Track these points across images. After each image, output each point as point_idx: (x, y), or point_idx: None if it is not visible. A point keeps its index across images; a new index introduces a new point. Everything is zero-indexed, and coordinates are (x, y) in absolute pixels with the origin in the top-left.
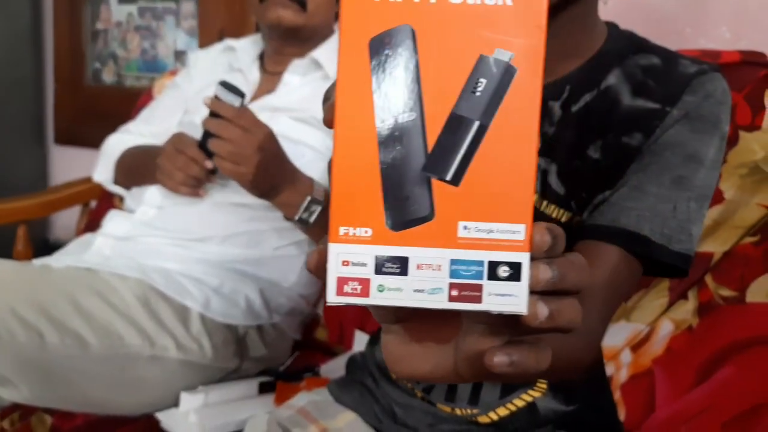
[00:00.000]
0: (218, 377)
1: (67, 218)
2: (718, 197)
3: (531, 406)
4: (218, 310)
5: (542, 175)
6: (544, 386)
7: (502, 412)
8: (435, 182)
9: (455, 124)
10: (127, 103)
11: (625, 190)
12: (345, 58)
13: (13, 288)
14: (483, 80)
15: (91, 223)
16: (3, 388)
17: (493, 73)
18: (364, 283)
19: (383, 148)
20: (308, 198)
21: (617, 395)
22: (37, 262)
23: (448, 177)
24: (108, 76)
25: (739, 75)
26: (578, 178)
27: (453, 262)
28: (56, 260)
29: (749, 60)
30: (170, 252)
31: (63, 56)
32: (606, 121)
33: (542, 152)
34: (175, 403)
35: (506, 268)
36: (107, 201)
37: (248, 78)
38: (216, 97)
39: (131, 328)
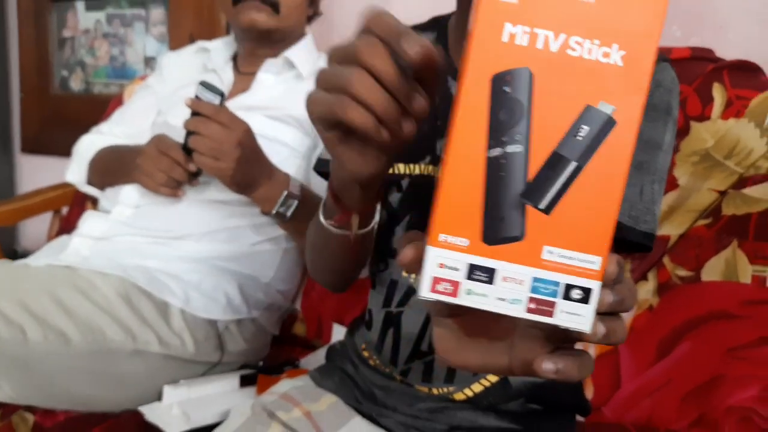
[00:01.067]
0: (200, 372)
1: (33, 227)
2: (672, 183)
3: (504, 381)
4: (199, 305)
5: None
6: None
7: (477, 388)
8: (529, 208)
9: (555, 161)
10: (96, 110)
11: None
12: (469, 88)
13: None
14: (585, 127)
15: (63, 229)
16: None
17: (595, 121)
18: (455, 285)
19: (490, 172)
20: (285, 193)
21: None
22: (17, 262)
23: (542, 206)
24: (76, 84)
25: (689, 70)
26: None
27: (535, 279)
28: (34, 260)
29: (698, 56)
30: (149, 250)
31: (29, 64)
32: None
33: None
34: (158, 398)
35: (579, 291)
36: (79, 206)
37: (222, 78)
38: (196, 97)
39: (114, 323)
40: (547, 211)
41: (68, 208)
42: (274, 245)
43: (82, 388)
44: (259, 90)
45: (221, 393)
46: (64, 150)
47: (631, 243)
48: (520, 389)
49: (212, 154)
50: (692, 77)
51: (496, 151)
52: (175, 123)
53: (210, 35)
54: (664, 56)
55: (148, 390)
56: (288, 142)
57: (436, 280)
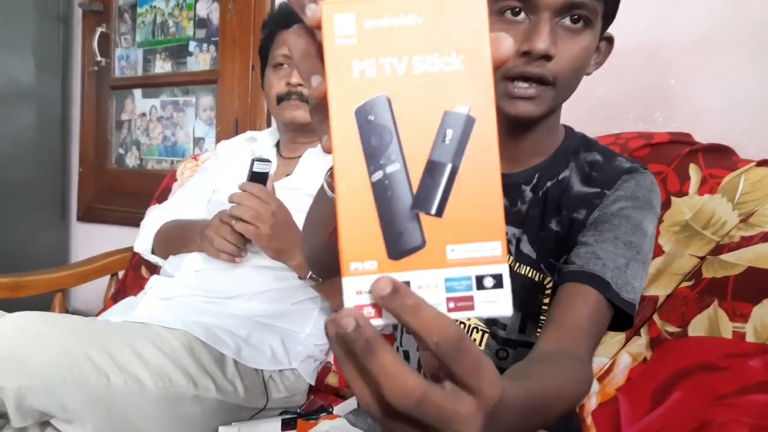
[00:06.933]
0: (247, 416)
1: (85, 291)
2: (658, 251)
3: None
4: (248, 356)
5: (516, 242)
6: None
7: None
8: (422, 216)
9: (433, 169)
10: (149, 184)
11: (590, 247)
12: (338, 126)
13: (86, 336)
14: (450, 130)
15: (120, 290)
16: (69, 425)
17: (456, 123)
18: (377, 307)
19: (377, 194)
20: None
21: (589, 420)
22: (98, 318)
23: (433, 211)
24: (131, 161)
25: (668, 152)
26: (544, 245)
27: (447, 279)
28: (111, 317)
29: (676, 140)
30: (207, 308)
31: (88, 142)
32: (560, 201)
33: (516, 224)
34: None
35: (490, 279)
36: (133, 271)
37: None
38: (251, 169)
39: (179, 371)
40: (438, 214)
41: (124, 272)
42: (312, 304)
43: (151, 428)
44: (301, 174)
45: None
46: (116, 219)
47: (614, 317)
48: None
49: (252, 220)
50: (671, 158)
51: (378, 174)
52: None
53: (253, 120)
54: (644, 165)
55: (205, 430)
56: None
57: (359, 309)
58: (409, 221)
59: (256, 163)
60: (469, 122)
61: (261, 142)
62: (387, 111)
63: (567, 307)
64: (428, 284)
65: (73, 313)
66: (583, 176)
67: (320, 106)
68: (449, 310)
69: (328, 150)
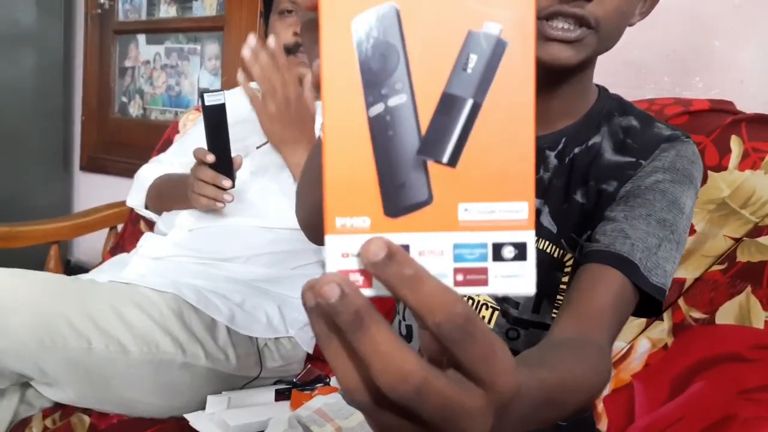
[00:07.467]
0: (240, 385)
1: (86, 241)
2: (690, 230)
3: None
4: (241, 323)
5: (537, 214)
6: None
7: None
8: (431, 165)
9: (448, 104)
10: (151, 135)
11: (618, 224)
12: (329, 42)
13: (66, 297)
14: (473, 56)
15: (118, 244)
16: (49, 388)
17: (483, 47)
18: (366, 274)
19: (376, 133)
20: None
21: (600, 407)
22: (83, 277)
23: (445, 159)
24: (134, 110)
25: (708, 121)
26: (566, 219)
27: (456, 246)
28: (97, 276)
29: (717, 108)
30: (200, 270)
31: (91, 90)
32: (588, 171)
33: (537, 194)
34: (202, 407)
35: (511, 248)
36: (134, 224)
37: None
38: (202, 104)
39: (167, 337)
40: (452, 163)
41: (123, 226)
42: (312, 270)
43: (135, 395)
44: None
45: (258, 405)
46: (119, 170)
47: (640, 299)
48: None
49: (260, 82)
50: (711, 128)
51: (378, 108)
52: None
53: None
54: (686, 133)
55: (194, 399)
56: None
57: (344, 275)
58: (414, 170)
59: (206, 96)
60: (500, 47)
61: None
62: (395, 25)
63: (588, 291)
64: (432, 250)
65: (75, 265)
66: (616, 143)
67: (313, 23)
68: (456, 283)
69: (317, 76)
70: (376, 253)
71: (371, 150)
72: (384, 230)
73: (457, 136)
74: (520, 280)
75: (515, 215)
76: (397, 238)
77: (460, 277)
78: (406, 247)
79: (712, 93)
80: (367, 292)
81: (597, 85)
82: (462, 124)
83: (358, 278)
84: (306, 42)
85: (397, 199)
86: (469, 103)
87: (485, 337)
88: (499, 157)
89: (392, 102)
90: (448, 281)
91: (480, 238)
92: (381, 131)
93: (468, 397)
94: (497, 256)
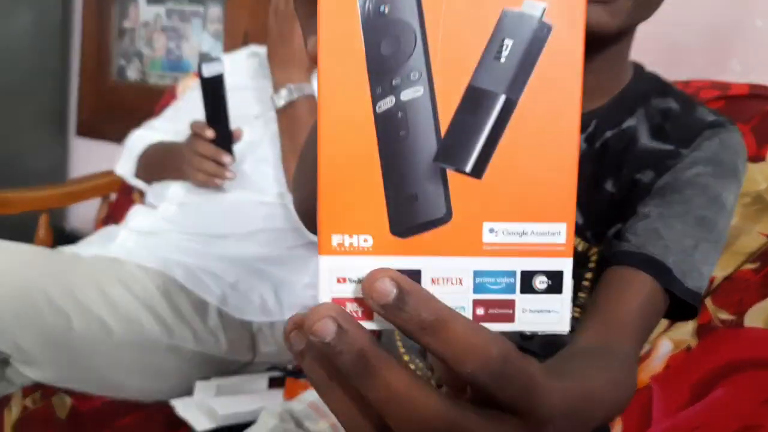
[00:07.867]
0: (231, 370)
1: (83, 209)
2: None
3: None
4: (234, 305)
5: None
6: None
7: None
8: (451, 175)
9: (475, 100)
10: (150, 100)
11: (651, 222)
12: (327, 18)
13: (47, 272)
14: (509, 42)
15: (111, 215)
16: (28, 366)
17: (521, 31)
18: (365, 304)
19: (383, 133)
20: (290, 85)
21: None
22: (67, 249)
23: (468, 168)
24: (132, 73)
25: (746, 107)
26: (594, 210)
27: (477, 273)
28: (83, 249)
29: (757, 93)
30: (190, 247)
31: (89, 52)
32: (622, 158)
33: None
34: (189, 392)
35: (543, 277)
36: (126, 194)
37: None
38: (201, 76)
39: (152, 317)
40: (477, 174)
41: (116, 195)
42: (310, 250)
43: (118, 377)
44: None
45: (250, 393)
46: (116, 136)
47: (672, 303)
48: None
49: None
50: (749, 115)
51: (387, 102)
52: None
53: (263, 34)
54: (732, 120)
55: (180, 384)
56: None
57: (339, 303)
58: (429, 180)
59: (204, 66)
60: (542, 31)
61: (264, 58)
62: (413, 1)
63: (616, 296)
64: (448, 278)
65: (70, 233)
66: (654, 128)
67: None
68: (476, 318)
69: (313, 57)
70: (384, 293)
71: (377, 154)
72: (389, 252)
73: (484, 140)
74: (552, 316)
75: (551, 239)
76: (406, 263)
77: (480, 311)
78: (417, 273)
79: (751, 76)
80: (369, 326)
81: (633, 62)
82: (491, 125)
83: (357, 309)
84: (301, 14)
85: (408, 215)
86: (501, 99)
87: (524, 372)
88: (535, 168)
89: (405, 95)
90: (467, 315)
91: (507, 264)
92: (390, 131)
93: (503, 431)
94: (527, 287)
